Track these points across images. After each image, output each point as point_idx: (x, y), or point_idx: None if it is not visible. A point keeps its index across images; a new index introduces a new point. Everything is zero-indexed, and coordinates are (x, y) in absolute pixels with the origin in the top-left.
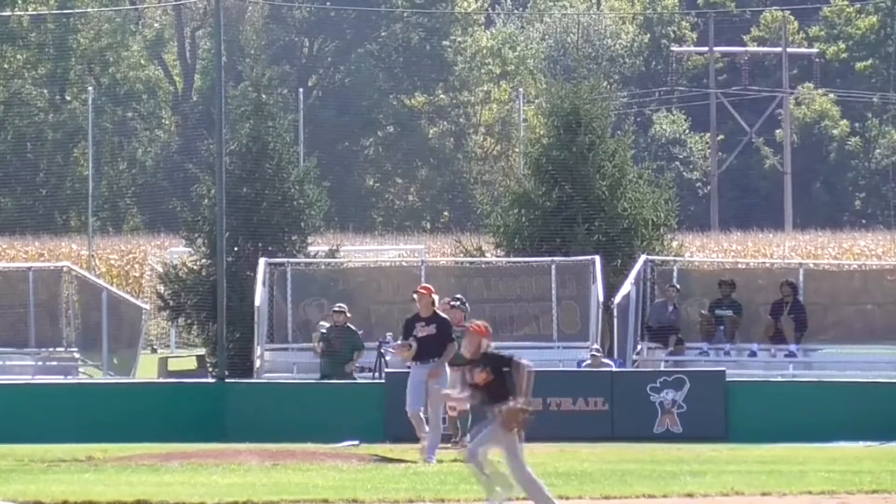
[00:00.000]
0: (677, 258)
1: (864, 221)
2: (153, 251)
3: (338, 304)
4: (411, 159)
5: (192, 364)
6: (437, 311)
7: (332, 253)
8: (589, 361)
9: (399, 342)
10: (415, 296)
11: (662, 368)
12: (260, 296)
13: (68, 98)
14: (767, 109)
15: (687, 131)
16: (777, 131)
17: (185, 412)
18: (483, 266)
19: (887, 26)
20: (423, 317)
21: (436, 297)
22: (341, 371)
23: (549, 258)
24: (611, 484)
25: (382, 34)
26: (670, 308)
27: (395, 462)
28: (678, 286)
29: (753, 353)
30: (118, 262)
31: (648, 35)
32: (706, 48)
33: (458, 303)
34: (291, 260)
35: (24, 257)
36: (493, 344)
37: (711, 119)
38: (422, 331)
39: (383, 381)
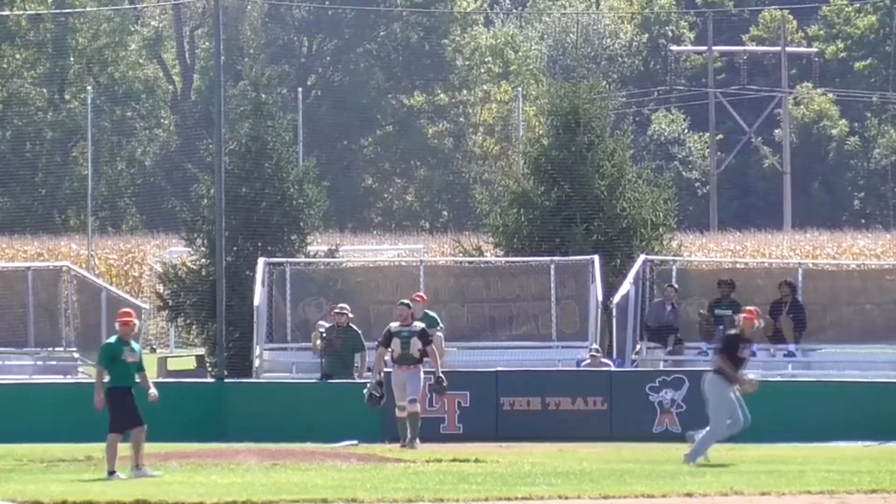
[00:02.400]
0: (676, 258)
1: (863, 221)
2: (152, 251)
3: (340, 305)
4: (410, 159)
5: (191, 364)
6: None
7: (331, 253)
8: (588, 361)
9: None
10: (739, 318)
11: (661, 368)
12: (259, 295)
13: (67, 97)
14: (766, 109)
15: (686, 131)
16: (776, 131)
17: (184, 412)
18: (482, 266)
19: (886, 26)
20: (748, 337)
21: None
22: (343, 371)
23: (548, 258)
24: (610, 483)
25: (381, 33)
26: (669, 308)
27: (394, 462)
28: (676, 286)
29: (752, 353)
30: (117, 261)
31: (647, 35)
32: (705, 47)
33: (405, 305)
34: (290, 259)
35: (24, 257)
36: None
37: (710, 119)
38: (745, 351)
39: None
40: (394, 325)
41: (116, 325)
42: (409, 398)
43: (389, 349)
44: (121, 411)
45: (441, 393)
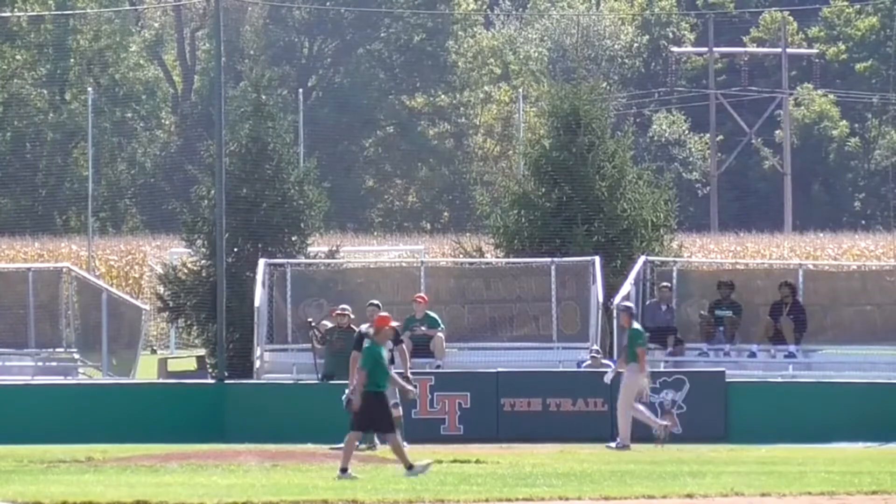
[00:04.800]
0: (677, 259)
1: (863, 222)
2: (153, 252)
3: (341, 306)
4: (411, 160)
5: (191, 365)
6: None
7: (331, 254)
8: (589, 362)
9: None
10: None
11: (662, 369)
12: (259, 296)
13: (68, 98)
14: (767, 110)
15: (686, 132)
16: (776, 132)
17: (184, 413)
18: (483, 267)
19: (887, 27)
20: None
21: None
22: (345, 372)
23: (549, 259)
24: (610, 484)
25: (382, 35)
26: (664, 308)
27: (394, 463)
28: (669, 285)
29: (753, 354)
30: (118, 262)
31: (647, 36)
32: (705, 49)
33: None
34: (291, 261)
35: (24, 258)
36: None
37: (711, 120)
38: None
39: None
40: (364, 326)
41: (371, 329)
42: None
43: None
44: (366, 414)
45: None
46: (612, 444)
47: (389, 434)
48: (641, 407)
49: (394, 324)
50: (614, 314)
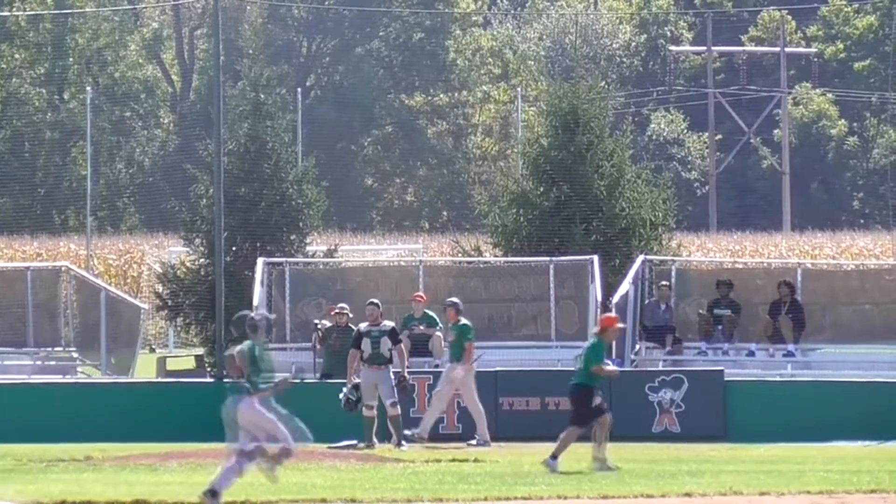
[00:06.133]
0: (675, 258)
1: (862, 221)
2: (151, 251)
3: (340, 305)
4: (410, 159)
5: (190, 364)
6: None
7: (330, 252)
8: None
9: None
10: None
11: (661, 368)
12: (258, 295)
13: (66, 98)
14: (765, 109)
15: (685, 131)
16: (775, 131)
17: (183, 412)
18: (481, 266)
19: (885, 26)
20: None
21: None
22: (343, 371)
23: (548, 258)
24: (609, 483)
25: (381, 33)
26: (663, 307)
27: (392, 462)
28: (668, 283)
29: (752, 353)
30: (116, 261)
31: (645, 35)
32: (704, 48)
33: (374, 304)
34: (290, 259)
35: (23, 257)
36: None
37: (709, 119)
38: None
39: None
40: (363, 325)
41: (596, 328)
42: (388, 402)
43: (360, 350)
44: (586, 407)
45: (404, 391)
46: (473, 442)
47: (600, 417)
48: (444, 406)
49: (613, 325)
50: (612, 313)
